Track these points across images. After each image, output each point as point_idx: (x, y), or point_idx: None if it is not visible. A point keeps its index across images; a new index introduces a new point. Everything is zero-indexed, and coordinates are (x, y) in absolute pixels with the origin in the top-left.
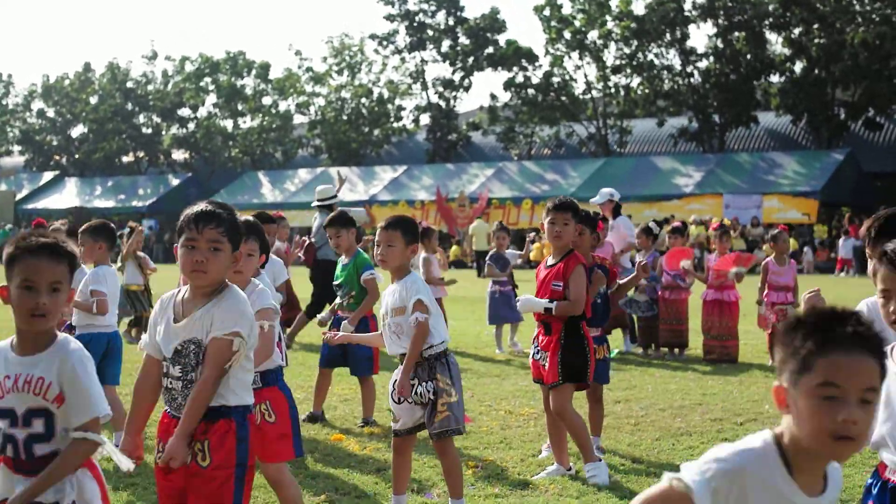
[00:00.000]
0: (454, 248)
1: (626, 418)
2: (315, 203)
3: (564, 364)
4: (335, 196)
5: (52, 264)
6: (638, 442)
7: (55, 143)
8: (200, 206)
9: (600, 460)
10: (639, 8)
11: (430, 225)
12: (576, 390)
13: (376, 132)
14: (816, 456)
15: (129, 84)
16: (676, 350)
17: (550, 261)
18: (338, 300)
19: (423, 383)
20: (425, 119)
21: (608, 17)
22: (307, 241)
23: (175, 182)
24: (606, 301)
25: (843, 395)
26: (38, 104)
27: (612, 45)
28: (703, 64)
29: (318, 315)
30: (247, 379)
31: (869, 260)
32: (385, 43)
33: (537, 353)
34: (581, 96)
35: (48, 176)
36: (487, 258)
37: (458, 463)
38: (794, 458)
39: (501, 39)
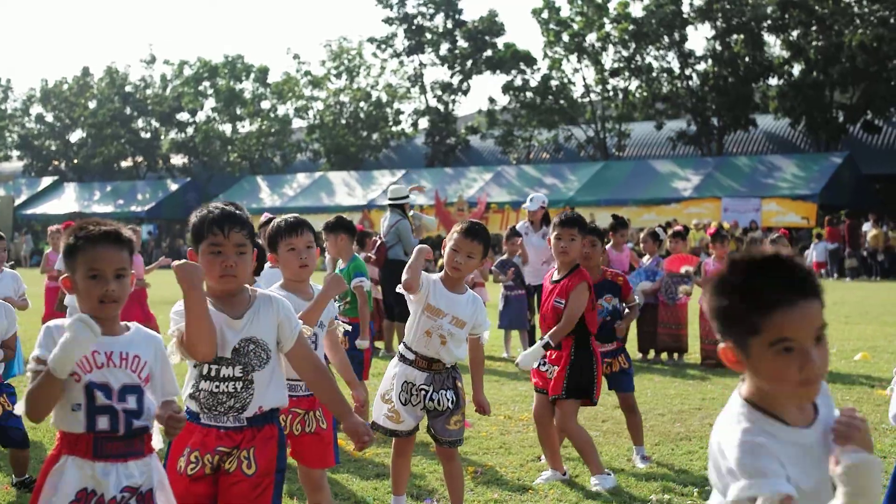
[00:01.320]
0: None
1: (625, 423)
2: (388, 202)
3: (571, 380)
4: (407, 196)
5: (116, 251)
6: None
7: (54, 147)
8: (219, 207)
9: (609, 474)
10: (637, 10)
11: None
12: (581, 406)
13: (375, 136)
14: (789, 399)
15: (128, 88)
16: (675, 355)
17: (556, 276)
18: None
19: (441, 391)
20: (424, 123)
21: (606, 20)
22: (379, 241)
23: (174, 187)
24: (619, 315)
25: (799, 345)
26: (36, 109)
27: (611, 48)
28: (701, 67)
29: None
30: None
31: None
32: (383, 46)
33: (543, 364)
34: (579, 99)
35: (47, 181)
36: (494, 265)
37: (462, 469)
38: (773, 404)
39: (500, 42)
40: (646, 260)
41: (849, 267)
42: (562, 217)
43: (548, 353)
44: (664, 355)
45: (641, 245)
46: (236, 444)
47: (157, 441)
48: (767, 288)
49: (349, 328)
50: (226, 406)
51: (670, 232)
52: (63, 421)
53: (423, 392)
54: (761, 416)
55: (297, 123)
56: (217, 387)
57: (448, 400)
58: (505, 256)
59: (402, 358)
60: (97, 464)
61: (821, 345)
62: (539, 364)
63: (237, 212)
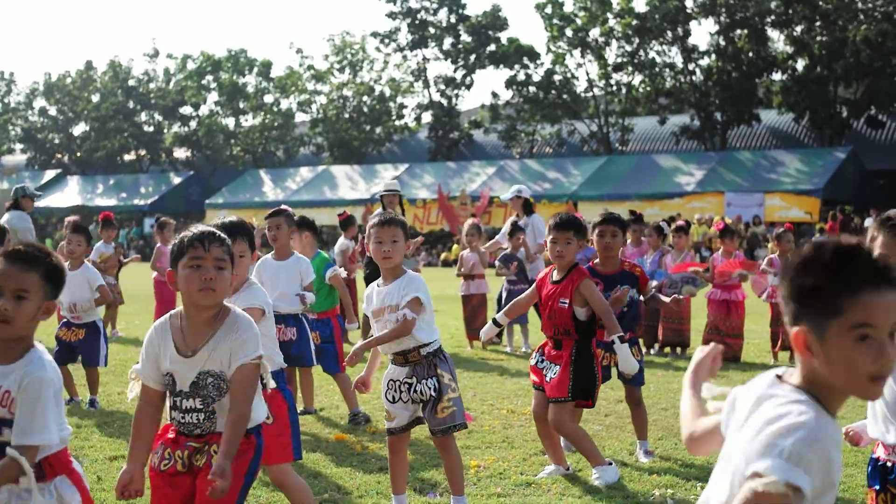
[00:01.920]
0: (455, 246)
1: (628, 418)
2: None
3: (575, 382)
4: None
5: (20, 271)
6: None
7: (57, 141)
8: (200, 227)
9: (610, 463)
10: (640, 5)
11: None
12: (576, 406)
13: (378, 130)
14: (846, 395)
15: (131, 82)
16: (678, 349)
17: (556, 276)
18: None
19: (424, 381)
20: (427, 117)
21: (610, 15)
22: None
23: (177, 180)
24: (637, 306)
25: (878, 335)
26: (40, 102)
27: (614, 43)
28: (704, 62)
29: None
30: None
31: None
32: (387, 41)
33: (541, 361)
34: (583, 94)
35: (50, 174)
36: (498, 259)
37: (460, 459)
38: (829, 400)
39: (503, 37)
40: (649, 255)
41: None
42: (557, 220)
43: (545, 349)
44: (666, 349)
45: (649, 239)
46: (206, 440)
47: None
48: (857, 270)
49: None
50: (194, 434)
51: (673, 226)
52: None
53: (406, 385)
54: (821, 408)
55: (301, 117)
56: (183, 417)
57: (430, 388)
58: (508, 250)
59: (391, 359)
60: None
61: (893, 340)
62: (536, 361)
63: (218, 232)
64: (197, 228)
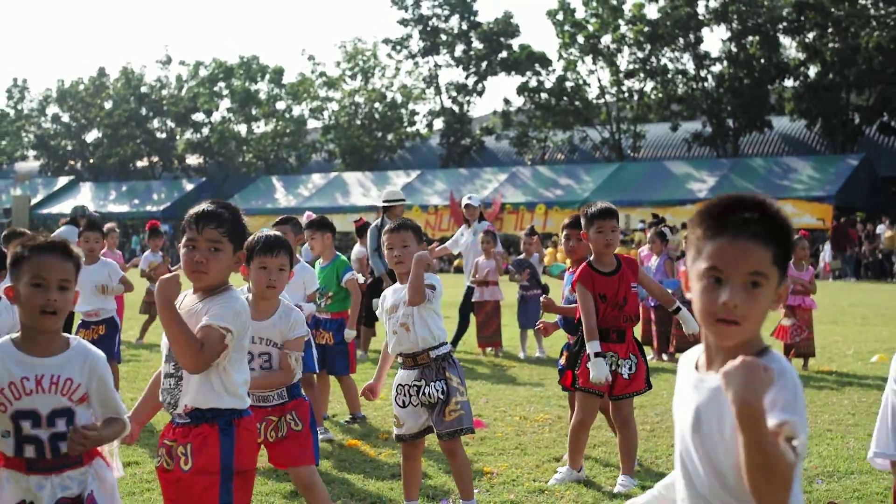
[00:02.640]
0: None
1: (641, 424)
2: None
3: (647, 372)
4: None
5: (61, 262)
6: (654, 448)
7: (70, 147)
8: (202, 205)
9: (634, 479)
10: (652, 12)
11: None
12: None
13: (390, 137)
14: (711, 339)
15: (144, 89)
16: None
17: (604, 268)
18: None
19: (432, 383)
20: (439, 124)
21: (621, 22)
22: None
23: (189, 187)
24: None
25: (726, 279)
26: (52, 109)
27: (626, 50)
28: (716, 68)
29: None
30: (237, 382)
31: None
32: (398, 47)
33: (613, 364)
34: (594, 101)
35: (63, 181)
36: (511, 264)
37: (468, 464)
38: (704, 344)
39: (515, 44)
40: (653, 261)
41: (833, 269)
42: (597, 209)
43: (604, 350)
44: (678, 356)
45: (649, 245)
46: (175, 438)
47: (118, 469)
48: (724, 217)
49: (301, 354)
50: (166, 402)
51: (683, 233)
52: None
53: (415, 388)
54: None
55: (313, 124)
56: (166, 383)
57: (437, 391)
58: (522, 256)
59: (400, 364)
60: (31, 477)
61: (754, 291)
62: (608, 363)
63: (218, 210)
64: (197, 208)
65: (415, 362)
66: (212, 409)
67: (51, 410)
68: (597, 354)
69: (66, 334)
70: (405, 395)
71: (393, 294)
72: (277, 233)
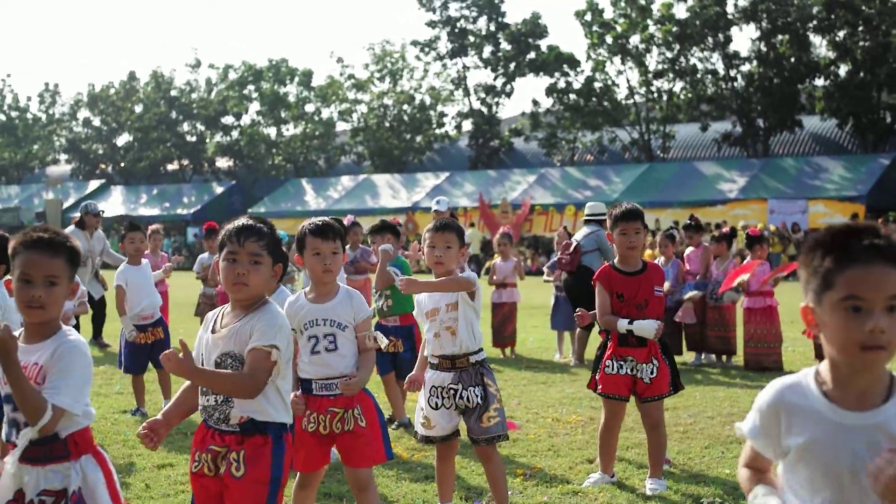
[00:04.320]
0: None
1: (674, 426)
2: (585, 217)
3: (673, 374)
4: (604, 213)
5: (48, 258)
6: (687, 450)
7: (101, 151)
8: (241, 220)
9: (664, 480)
10: (681, 12)
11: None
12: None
13: (418, 139)
14: (852, 369)
15: (173, 92)
16: (724, 357)
17: (628, 268)
18: (374, 306)
19: (470, 388)
20: (467, 125)
21: (650, 22)
22: (575, 243)
23: (219, 190)
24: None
25: (868, 306)
26: (84, 113)
27: (655, 50)
28: (746, 68)
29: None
30: (285, 395)
31: None
32: (427, 49)
33: (621, 367)
34: (623, 101)
35: (94, 184)
36: (546, 265)
37: (503, 469)
38: (832, 375)
39: (543, 45)
40: (661, 262)
41: None
42: (623, 210)
43: (620, 352)
44: (712, 357)
45: (658, 248)
46: (226, 444)
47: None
48: (849, 245)
49: (385, 342)
50: (214, 418)
51: (715, 234)
52: None
53: (452, 391)
54: (811, 380)
55: (341, 126)
56: (207, 400)
57: (477, 396)
58: (555, 258)
59: (431, 365)
60: (23, 466)
61: (893, 315)
62: (617, 368)
63: (257, 224)
64: (236, 222)
65: (453, 365)
66: (266, 421)
67: None
68: (630, 323)
69: (66, 327)
70: (439, 398)
71: (430, 298)
72: (326, 219)
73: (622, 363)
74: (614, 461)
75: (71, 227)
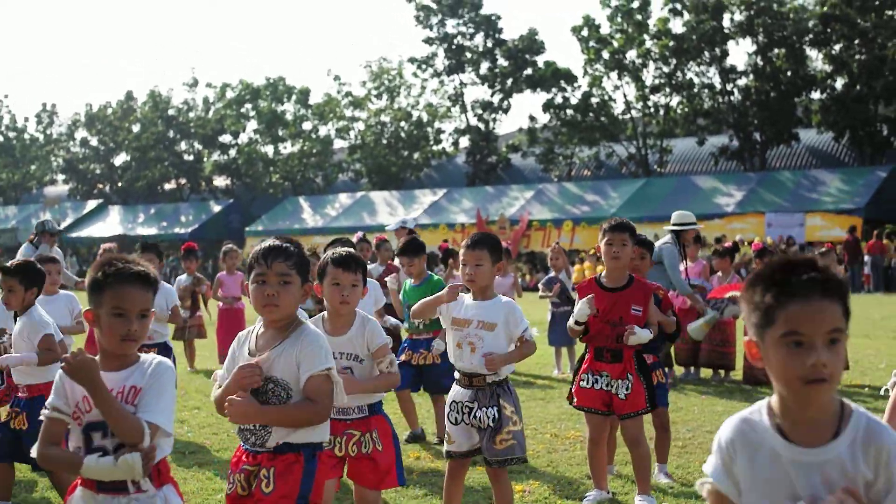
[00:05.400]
0: None
1: (673, 441)
2: (671, 227)
3: (649, 391)
4: (694, 223)
5: (142, 292)
6: (686, 465)
7: (98, 171)
8: (268, 242)
9: (653, 498)
10: (677, 27)
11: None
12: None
13: (416, 156)
14: (798, 404)
15: (171, 112)
16: (721, 372)
17: (610, 283)
18: (406, 324)
19: (484, 409)
20: (465, 142)
21: (646, 37)
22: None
23: (217, 208)
24: (660, 327)
25: (809, 341)
26: (81, 133)
27: (651, 65)
28: (742, 82)
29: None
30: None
31: None
32: (423, 66)
33: (597, 381)
34: (620, 116)
35: (92, 204)
36: (542, 282)
37: (511, 491)
38: (780, 409)
39: (540, 61)
40: (719, 276)
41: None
42: (612, 223)
43: (596, 367)
44: (709, 372)
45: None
46: (258, 462)
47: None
48: (789, 281)
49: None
50: (250, 442)
51: (718, 248)
52: None
53: (468, 409)
54: (765, 416)
55: (339, 144)
56: (242, 424)
57: (489, 417)
58: (552, 274)
59: (455, 380)
60: (99, 496)
61: (834, 348)
62: (592, 383)
63: (284, 245)
64: (264, 244)
65: (470, 382)
66: (304, 444)
67: None
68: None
69: (143, 353)
70: (458, 413)
71: (464, 308)
72: (350, 249)
73: (598, 377)
74: (607, 476)
75: (25, 245)
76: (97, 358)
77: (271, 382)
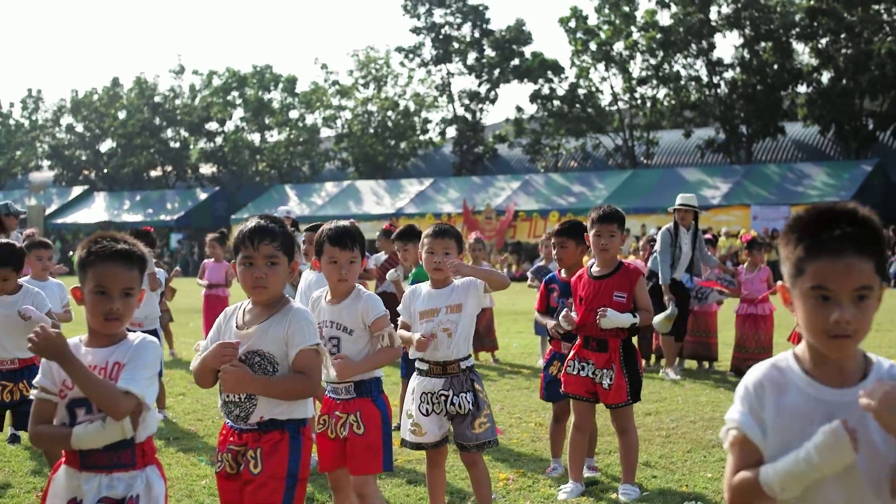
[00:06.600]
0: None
1: (656, 431)
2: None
3: (632, 384)
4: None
5: (125, 270)
6: (669, 454)
7: (84, 157)
8: (253, 222)
9: (637, 486)
10: (664, 19)
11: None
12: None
13: (402, 145)
14: (823, 352)
15: (157, 99)
16: (706, 363)
17: (597, 271)
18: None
19: (461, 394)
20: (451, 132)
21: (634, 29)
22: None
23: (203, 196)
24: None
25: (835, 297)
26: (66, 119)
27: (638, 57)
28: (729, 74)
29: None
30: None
31: None
32: (411, 56)
33: (583, 368)
34: (607, 108)
35: (77, 191)
36: (530, 270)
37: (488, 473)
38: (809, 355)
39: (527, 51)
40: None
41: None
42: (600, 212)
43: (582, 354)
44: (693, 363)
45: (640, 252)
46: (244, 442)
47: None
48: (821, 235)
49: (399, 342)
50: (234, 415)
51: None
52: None
53: (443, 397)
54: (791, 359)
55: (326, 133)
56: (227, 396)
57: (468, 402)
58: (542, 262)
59: (419, 371)
60: (83, 474)
61: (862, 304)
62: (577, 370)
63: (270, 225)
64: (249, 224)
65: (444, 371)
66: (284, 419)
67: None
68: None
69: (131, 332)
70: (429, 404)
71: (428, 298)
72: (346, 224)
73: (584, 364)
74: (583, 468)
75: None
76: (84, 337)
77: (258, 356)
